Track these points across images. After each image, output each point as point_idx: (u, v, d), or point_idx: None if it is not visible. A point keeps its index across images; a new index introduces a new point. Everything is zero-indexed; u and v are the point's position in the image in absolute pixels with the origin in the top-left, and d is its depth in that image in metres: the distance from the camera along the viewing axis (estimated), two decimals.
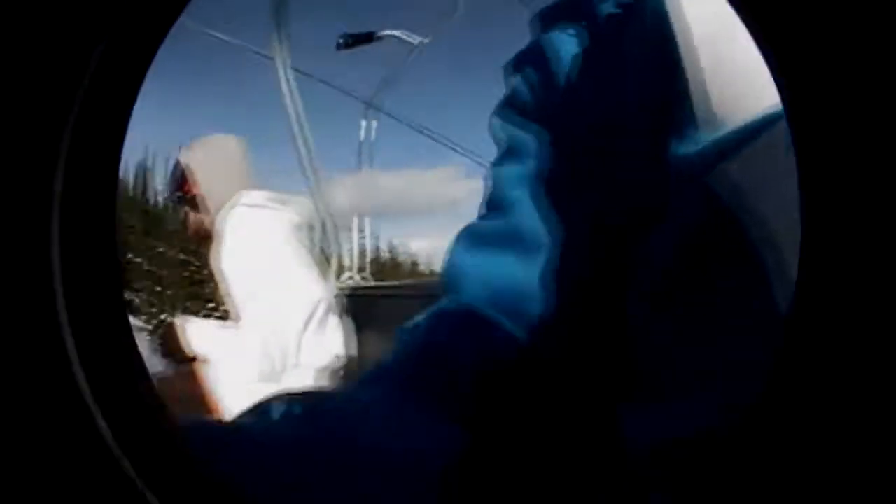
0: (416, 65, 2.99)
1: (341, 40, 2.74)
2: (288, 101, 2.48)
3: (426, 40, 2.83)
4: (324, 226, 2.60)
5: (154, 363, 1.96)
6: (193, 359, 1.82)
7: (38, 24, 0.24)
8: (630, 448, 0.38)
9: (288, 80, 2.50)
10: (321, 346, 1.81)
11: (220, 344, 1.78)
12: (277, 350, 1.70)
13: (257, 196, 1.84)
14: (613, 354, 0.42)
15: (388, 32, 2.81)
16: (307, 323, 1.77)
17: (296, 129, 2.49)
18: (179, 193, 1.95)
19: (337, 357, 1.88)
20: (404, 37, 2.82)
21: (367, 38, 2.79)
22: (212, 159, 1.95)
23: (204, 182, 1.90)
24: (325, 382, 1.82)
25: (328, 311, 1.85)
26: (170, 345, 1.85)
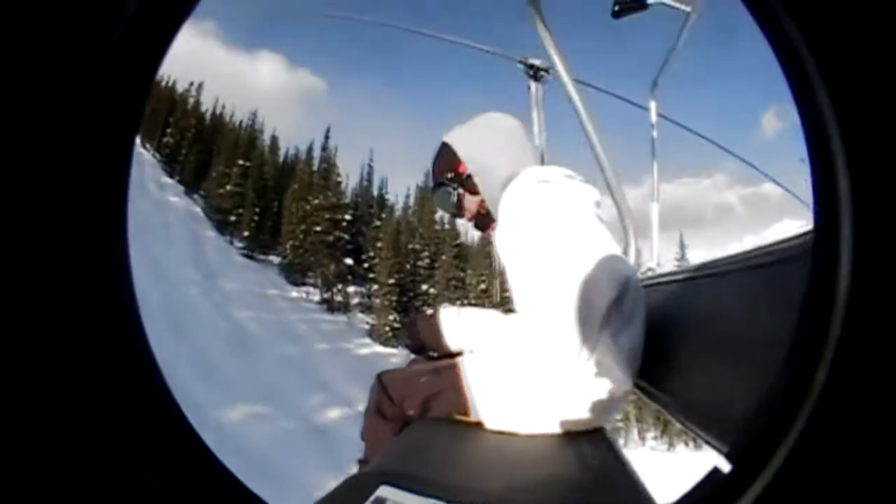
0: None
1: (616, 7, 2.81)
2: (580, 109, 2.30)
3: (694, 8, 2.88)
4: (622, 219, 2.15)
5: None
6: (451, 353, 1.75)
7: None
8: None
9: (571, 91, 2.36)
10: (623, 337, 1.51)
11: (491, 334, 1.66)
12: (573, 337, 1.48)
13: (550, 171, 1.71)
14: None
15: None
16: (612, 307, 1.49)
17: (592, 135, 2.25)
18: (450, 174, 1.89)
19: (636, 354, 1.52)
20: (675, 4, 2.93)
21: (640, 4, 2.84)
22: (485, 136, 1.87)
23: (476, 160, 1.84)
24: (614, 381, 1.53)
25: (635, 297, 1.52)
26: (423, 337, 1.74)
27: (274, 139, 54.53)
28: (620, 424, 29.91)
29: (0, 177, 0.43)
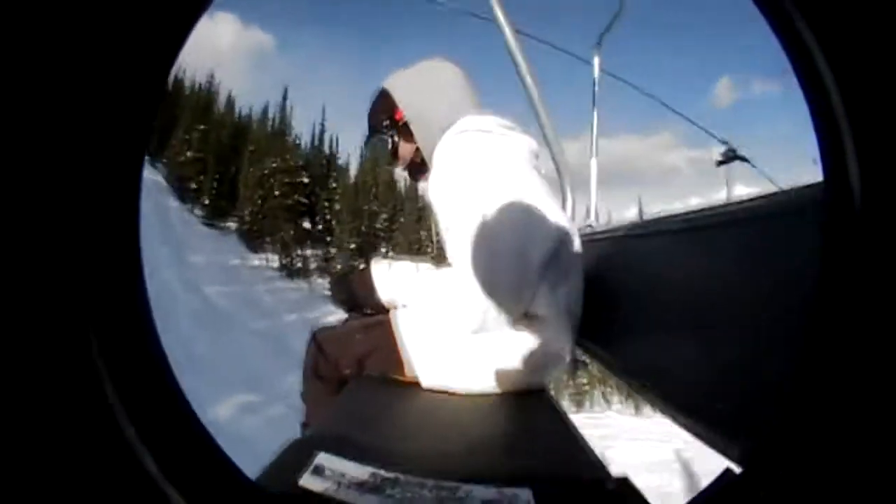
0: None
1: None
2: (520, 62, 2.22)
3: None
4: (559, 173, 2.07)
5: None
6: (384, 308, 1.71)
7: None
8: None
9: (512, 44, 2.31)
10: (561, 290, 1.47)
11: (424, 288, 1.60)
12: (509, 290, 1.43)
13: (488, 121, 1.63)
14: None
15: None
16: (550, 260, 1.44)
17: (531, 88, 2.16)
18: (386, 121, 1.83)
19: (575, 308, 1.50)
20: None
21: None
22: (423, 83, 1.81)
23: (413, 107, 1.78)
24: (553, 337, 1.49)
25: (573, 251, 1.49)
26: (356, 292, 1.75)
27: (230, 100, 51.23)
28: (587, 388, 30.51)
29: (6, 174, 0.43)
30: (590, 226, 2.49)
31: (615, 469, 1.00)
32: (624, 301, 1.55)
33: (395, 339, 1.60)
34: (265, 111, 48.07)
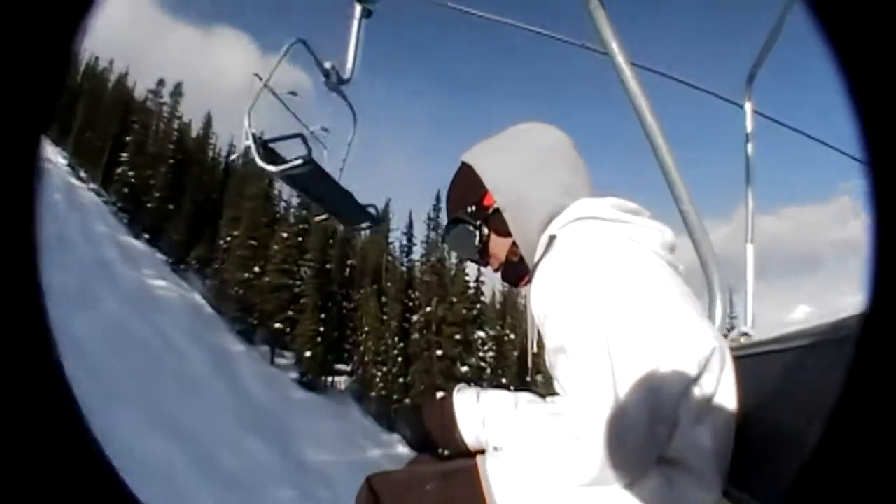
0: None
1: None
2: (657, 137, 1.91)
3: None
4: (703, 267, 1.60)
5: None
6: (468, 451, 1.32)
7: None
8: None
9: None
10: (704, 427, 1.16)
11: (524, 427, 1.23)
12: (638, 431, 1.08)
13: (605, 205, 1.30)
14: None
15: None
16: (689, 389, 1.14)
17: (661, 150, 1.73)
18: (472, 207, 1.46)
19: (724, 448, 1.18)
20: None
21: None
22: (519, 156, 1.43)
23: (508, 188, 1.41)
24: (694, 486, 1.15)
25: (721, 373, 1.12)
26: (432, 428, 1.35)
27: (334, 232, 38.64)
28: None
29: None
30: (745, 334, 1.99)
31: None
32: (780, 434, 1.15)
33: (482, 493, 1.21)
34: (408, 250, 40.28)
